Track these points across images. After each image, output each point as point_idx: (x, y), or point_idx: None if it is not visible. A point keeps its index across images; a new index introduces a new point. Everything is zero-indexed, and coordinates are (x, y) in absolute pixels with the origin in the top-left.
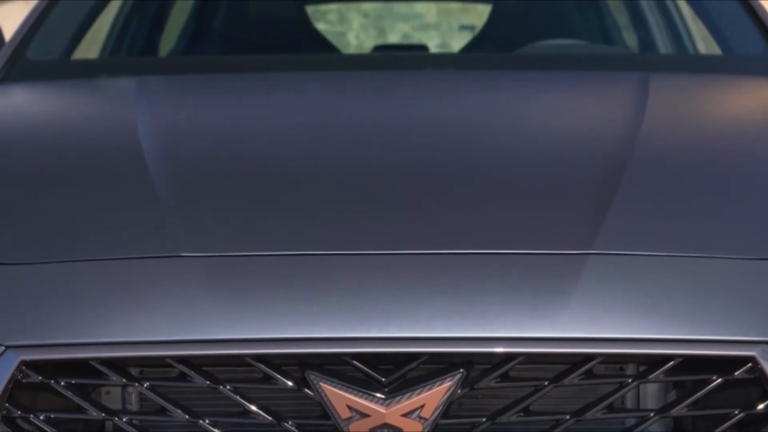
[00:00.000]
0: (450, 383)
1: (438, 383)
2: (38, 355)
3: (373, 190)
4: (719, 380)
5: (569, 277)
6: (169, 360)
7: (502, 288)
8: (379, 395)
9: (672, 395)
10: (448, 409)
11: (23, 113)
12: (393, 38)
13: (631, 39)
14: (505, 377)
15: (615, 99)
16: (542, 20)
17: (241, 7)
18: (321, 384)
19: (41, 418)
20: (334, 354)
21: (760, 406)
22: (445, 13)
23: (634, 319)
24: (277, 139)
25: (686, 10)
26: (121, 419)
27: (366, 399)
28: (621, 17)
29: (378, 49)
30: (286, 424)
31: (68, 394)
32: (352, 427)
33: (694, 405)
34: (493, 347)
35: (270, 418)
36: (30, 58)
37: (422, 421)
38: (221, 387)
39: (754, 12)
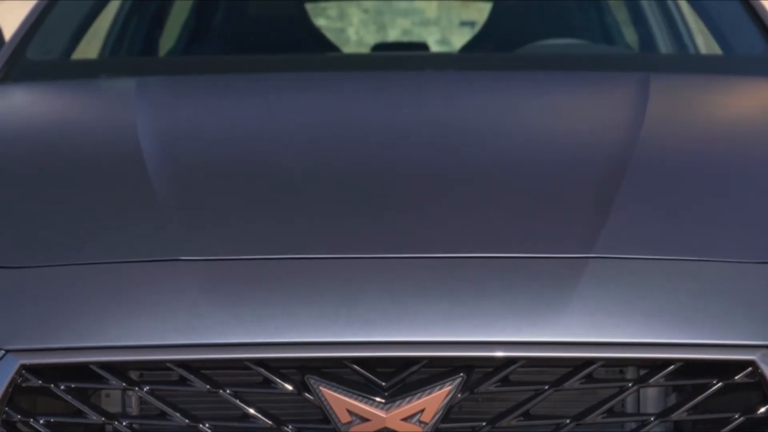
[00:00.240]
0: (450, 387)
1: (438, 387)
2: (38, 359)
3: (373, 193)
4: (719, 384)
5: (570, 281)
6: (168, 364)
7: (502, 292)
8: (379, 399)
9: (672, 399)
10: (448, 413)
11: (22, 113)
12: (393, 34)
13: (631, 38)
14: (505, 381)
15: (615, 99)
16: (542, 19)
17: (241, 6)
18: (321, 388)
19: (41, 422)
20: (334, 358)
21: (761, 410)
22: (445, 9)
23: (635, 323)
24: (277, 141)
25: (687, 9)
26: (121, 423)
27: (366, 403)
28: (621, 16)
29: (378, 47)
30: (285, 428)
31: (68, 398)
32: (352, 430)
33: (694, 409)
34: (493, 351)
35: (270, 422)
36: (30, 58)
37: (422, 425)
38: (221, 391)
39: (754, 12)
